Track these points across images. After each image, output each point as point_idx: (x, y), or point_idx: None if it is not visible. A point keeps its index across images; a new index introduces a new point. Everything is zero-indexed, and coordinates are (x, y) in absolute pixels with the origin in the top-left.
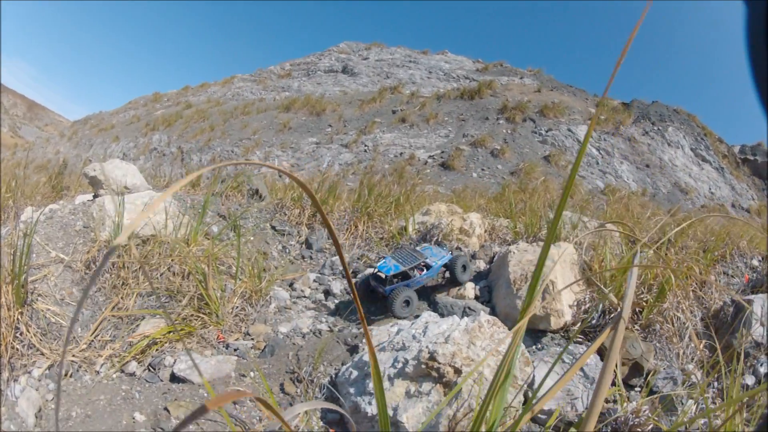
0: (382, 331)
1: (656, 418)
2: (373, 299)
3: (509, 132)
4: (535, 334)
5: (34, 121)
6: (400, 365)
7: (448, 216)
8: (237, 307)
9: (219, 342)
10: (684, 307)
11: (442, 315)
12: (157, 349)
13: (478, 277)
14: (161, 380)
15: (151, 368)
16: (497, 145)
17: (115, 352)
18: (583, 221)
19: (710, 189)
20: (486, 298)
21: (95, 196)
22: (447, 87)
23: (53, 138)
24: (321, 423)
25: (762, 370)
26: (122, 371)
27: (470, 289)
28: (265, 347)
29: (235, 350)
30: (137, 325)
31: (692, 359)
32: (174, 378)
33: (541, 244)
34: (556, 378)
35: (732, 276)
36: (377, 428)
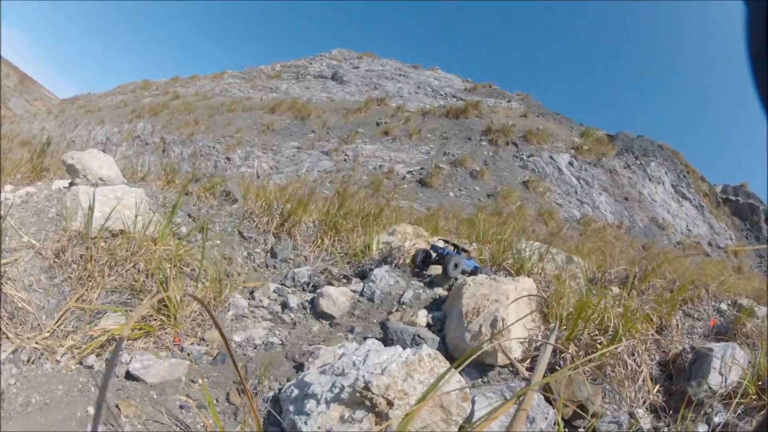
0: (328, 352)
1: None
2: (423, 268)
3: (490, 154)
4: (483, 368)
5: (24, 94)
6: (337, 390)
7: (414, 238)
8: (195, 311)
9: (174, 345)
10: (640, 351)
11: (391, 340)
12: (116, 346)
13: (434, 305)
14: (117, 376)
15: (108, 363)
16: (477, 166)
17: (76, 344)
18: (551, 253)
19: (688, 226)
20: (438, 327)
21: (71, 184)
22: (434, 104)
23: (41, 114)
24: None
25: (716, 419)
26: (81, 363)
27: (422, 317)
28: (217, 354)
29: (189, 354)
30: (99, 319)
31: (644, 403)
32: (129, 375)
33: (500, 277)
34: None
35: (698, 320)
36: None
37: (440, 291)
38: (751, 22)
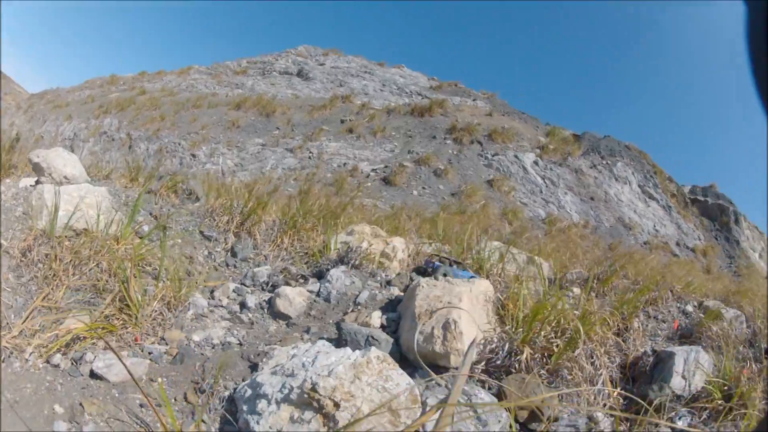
0: (282, 353)
1: None
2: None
3: (455, 153)
4: (437, 370)
5: None
6: (286, 391)
7: (371, 238)
8: (156, 310)
9: (136, 344)
10: (599, 354)
11: (345, 341)
12: (80, 345)
13: (389, 306)
14: (82, 375)
15: (73, 362)
16: (441, 164)
17: (43, 343)
18: (512, 253)
19: (655, 226)
20: (393, 328)
21: (37, 182)
22: (399, 102)
23: (10, 109)
24: None
25: (680, 423)
26: (48, 362)
27: (376, 318)
28: (177, 354)
29: (149, 354)
30: (65, 319)
31: (604, 407)
32: (93, 374)
33: (454, 279)
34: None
35: (662, 321)
36: None
37: (396, 292)
38: (751, 22)
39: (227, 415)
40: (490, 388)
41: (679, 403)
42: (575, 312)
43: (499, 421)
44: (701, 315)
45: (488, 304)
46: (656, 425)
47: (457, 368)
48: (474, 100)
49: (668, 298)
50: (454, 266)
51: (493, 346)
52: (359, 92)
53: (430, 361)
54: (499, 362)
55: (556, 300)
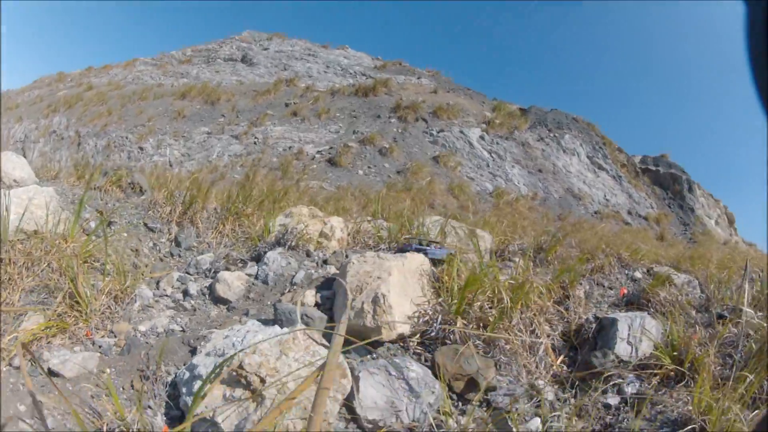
0: (218, 335)
1: None
2: None
3: (400, 131)
4: (372, 345)
5: None
6: (218, 370)
7: (309, 219)
8: (104, 304)
9: (87, 339)
10: (538, 322)
11: (281, 321)
12: (38, 344)
13: (325, 284)
14: (41, 374)
15: (32, 362)
16: (386, 143)
17: (6, 346)
18: (454, 227)
19: (605, 196)
20: (328, 305)
21: None
22: (343, 83)
23: None
24: (165, 418)
25: (629, 390)
26: (10, 365)
27: (310, 297)
28: (124, 345)
29: (99, 347)
30: (22, 321)
31: (548, 375)
32: (51, 372)
33: (384, 254)
34: (381, 389)
35: (610, 288)
36: (201, 426)
37: (333, 270)
38: (751, 22)
39: (170, 399)
40: (426, 361)
41: (627, 369)
42: (510, 282)
43: (433, 392)
44: (651, 281)
45: (423, 277)
46: (603, 392)
47: (394, 342)
48: (418, 78)
49: (615, 265)
50: (432, 246)
51: (427, 318)
52: (303, 75)
53: (363, 335)
54: (433, 334)
55: (494, 271)
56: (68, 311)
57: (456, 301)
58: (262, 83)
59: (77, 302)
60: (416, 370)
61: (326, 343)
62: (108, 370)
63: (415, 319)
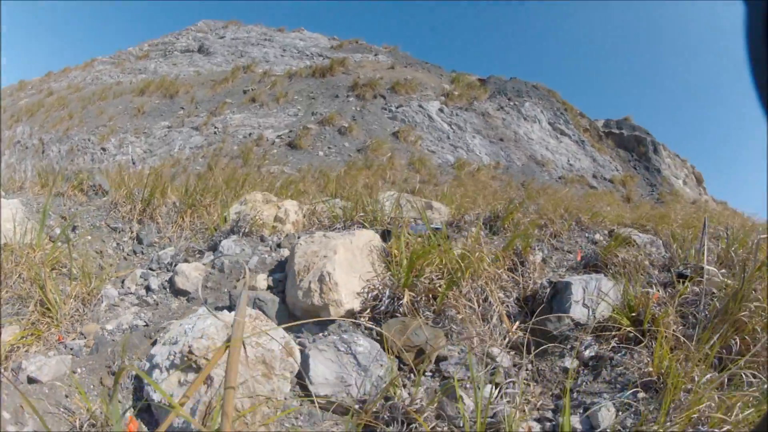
0: (175, 326)
1: (437, 404)
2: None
3: (358, 109)
4: (323, 322)
5: None
6: (172, 358)
7: (263, 205)
8: (73, 308)
9: (59, 343)
10: (491, 290)
11: (233, 306)
12: (16, 354)
13: (279, 267)
14: (21, 382)
15: (13, 372)
16: (345, 122)
17: None
18: (410, 201)
19: (569, 161)
20: (281, 288)
21: None
22: (300, 65)
23: None
24: (132, 409)
25: (587, 353)
26: None
27: (261, 281)
28: (93, 345)
29: (71, 350)
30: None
31: (504, 342)
32: (29, 379)
33: (331, 233)
34: (331, 365)
35: (569, 252)
36: (162, 413)
37: (286, 253)
38: (751, 23)
39: (136, 391)
40: (378, 335)
41: (584, 332)
42: (461, 252)
43: (382, 366)
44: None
45: (373, 252)
46: (560, 356)
47: (340, 318)
48: (376, 55)
49: (575, 229)
50: (419, 223)
51: (376, 293)
52: (260, 60)
53: (313, 314)
54: (383, 309)
55: (445, 243)
56: (41, 318)
57: (404, 274)
58: (220, 72)
59: (48, 309)
60: (364, 345)
61: (275, 324)
62: (79, 370)
63: (365, 295)
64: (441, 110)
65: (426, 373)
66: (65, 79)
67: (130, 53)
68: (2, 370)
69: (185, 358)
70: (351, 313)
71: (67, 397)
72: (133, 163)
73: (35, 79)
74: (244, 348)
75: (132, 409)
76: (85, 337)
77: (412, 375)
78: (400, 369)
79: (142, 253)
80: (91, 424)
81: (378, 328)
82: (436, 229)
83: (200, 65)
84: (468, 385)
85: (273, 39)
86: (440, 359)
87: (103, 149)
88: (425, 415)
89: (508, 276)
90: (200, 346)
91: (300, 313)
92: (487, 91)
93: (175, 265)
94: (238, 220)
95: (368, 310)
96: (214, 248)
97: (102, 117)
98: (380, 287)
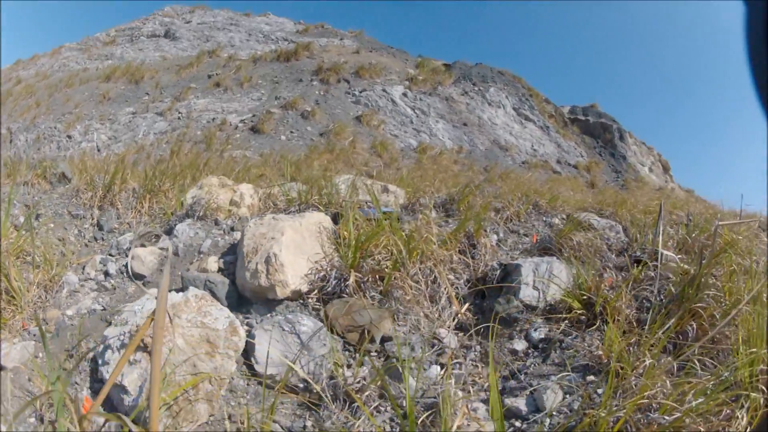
0: (129, 308)
1: (379, 383)
2: None
3: (322, 93)
4: (271, 303)
5: None
6: (122, 338)
7: (218, 189)
8: (36, 295)
9: (23, 330)
10: (440, 271)
11: (187, 288)
12: None
13: (231, 250)
14: None
15: None
16: (308, 106)
17: None
18: (366, 184)
19: (533, 146)
20: (232, 270)
21: None
22: (265, 49)
23: None
24: (89, 391)
25: (536, 335)
26: None
27: (212, 263)
28: (54, 330)
29: (34, 336)
30: None
31: (451, 323)
32: None
33: (280, 215)
34: (276, 345)
35: (525, 235)
36: (115, 391)
37: (239, 236)
38: (751, 22)
39: (92, 373)
40: (324, 316)
41: (534, 314)
42: (409, 234)
43: (325, 345)
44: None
45: (322, 234)
46: (510, 338)
47: (293, 300)
48: (341, 39)
49: (532, 213)
50: (371, 206)
51: (323, 274)
52: (226, 45)
53: (261, 295)
54: (330, 290)
55: (394, 226)
56: (6, 306)
57: (351, 255)
58: (186, 57)
59: (13, 297)
60: (307, 324)
61: (224, 305)
62: (40, 355)
63: (312, 276)
64: (405, 95)
65: (372, 354)
66: (33, 67)
67: (98, 39)
68: None
69: (133, 338)
70: (298, 294)
71: (30, 380)
72: (98, 150)
73: (5, 68)
74: (170, 322)
75: (88, 390)
76: (47, 323)
77: (358, 355)
78: (345, 349)
79: (103, 239)
80: (49, 405)
81: (323, 308)
82: (388, 211)
83: (166, 50)
84: (413, 366)
85: (239, 24)
86: (385, 339)
87: (69, 137)
88: (366, 393)
89: (459, 258)
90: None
91: (249, 295)
92: (452, 76)
93: (132, 250)
94: (194, 204)
95: (315, 291)
96: (169, 232)
97: (68, 104)
98: (328, 268)
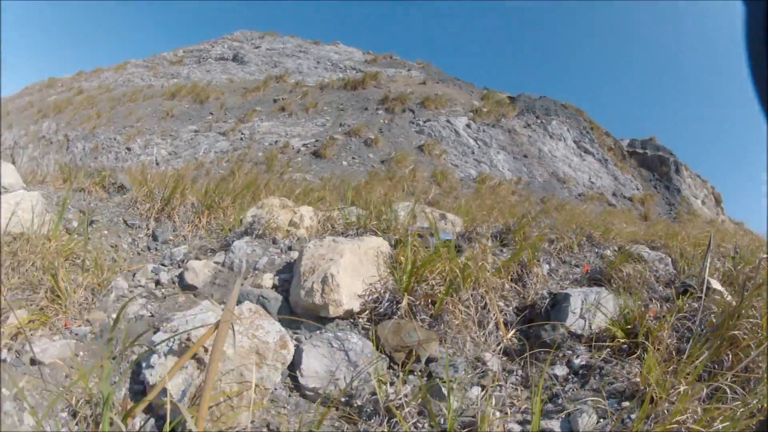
0: (179, 316)
1: (420, 401)
2: None
3: (386, 122)
4: (322, 320)
5: None
6: (171, 344)
7: (279, 210)
8: (82, 297)
9: (65, 328)
10: (491, 298)
11: (240, 302)
12: (21, 337)
13: (287, 268)
14: (24, 363)
15: (17, 354)
16: (371, 134)
17: None
18: (425, 212)
19: (590, 179)
20: (286, 287)
21: None
22: (333, 77)
23: None
24: (128, 392)
25: (577, 361)
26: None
27: (267, 279)
28: (98, 331)
29: (76, 335)
30: (8, 317)
31: (498, 348)
32: (32, 361)
33: (340, 238)
34: (323, 360)
35: (576, 266)
36: (157, 396)
37: (296, 255)
38: (751, 22)
39: (134, 375)
40: (373, 336)
41: (579, 342)
42: (460, 261)
43: (371, 362)
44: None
45: (379, 258)
46: (552, 363)
47: (344, 318)
48: (408, 70)
49: (585, 244)
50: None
51: (377, 296)
52: (294, 71)
53: (313, 313)
54: (382, 311)
55: (451, 252)
56: (50, 305)
57: (406, 279)
58: (252, 80)
59: (58, 296)
60: (356, 342)
61: (276, 320)
62: (81, 353)
63: (366, 297)
64: (468, 126)
65: (416, 373)
66: (96, 79)
67: (164, 58)
68: (4, 350)
69: (183, 345)
70: (350, 314)
71: (67, 377)
72: (157, 164)
73: (66, 77)
74: (233, 333)
75: (128, 391)
76: (91, 325)
77: (401, 374)
78: (390, 368)
79: (156, 249)
80: (86, 401)
81: (373, 328)
82: (447, 239)
83: (233, 73)
84: (454, 386)
85: (308, 51)
86: (431, 360)
87: (128, 149)
88: (406, 410)
89: (511, 286)
90: (199, 335)
91: (301, 312)
92: (516, 108)
93: (187, 262)
94: (253, 223)
95: (367, 312)
96: (226, 248)
97: (130, 118)
98: (381, 291)
